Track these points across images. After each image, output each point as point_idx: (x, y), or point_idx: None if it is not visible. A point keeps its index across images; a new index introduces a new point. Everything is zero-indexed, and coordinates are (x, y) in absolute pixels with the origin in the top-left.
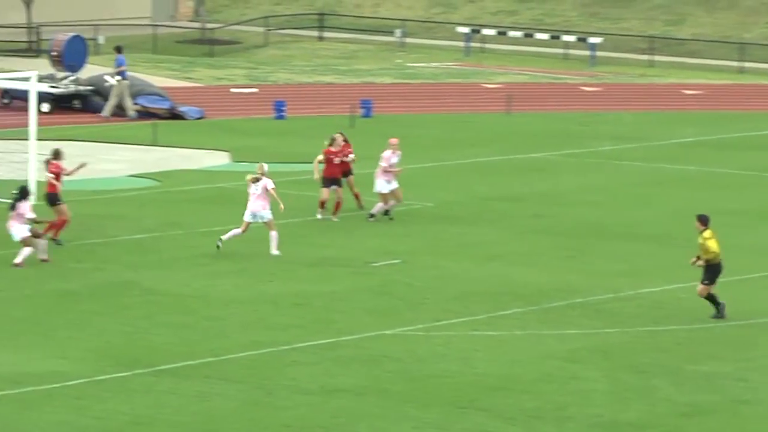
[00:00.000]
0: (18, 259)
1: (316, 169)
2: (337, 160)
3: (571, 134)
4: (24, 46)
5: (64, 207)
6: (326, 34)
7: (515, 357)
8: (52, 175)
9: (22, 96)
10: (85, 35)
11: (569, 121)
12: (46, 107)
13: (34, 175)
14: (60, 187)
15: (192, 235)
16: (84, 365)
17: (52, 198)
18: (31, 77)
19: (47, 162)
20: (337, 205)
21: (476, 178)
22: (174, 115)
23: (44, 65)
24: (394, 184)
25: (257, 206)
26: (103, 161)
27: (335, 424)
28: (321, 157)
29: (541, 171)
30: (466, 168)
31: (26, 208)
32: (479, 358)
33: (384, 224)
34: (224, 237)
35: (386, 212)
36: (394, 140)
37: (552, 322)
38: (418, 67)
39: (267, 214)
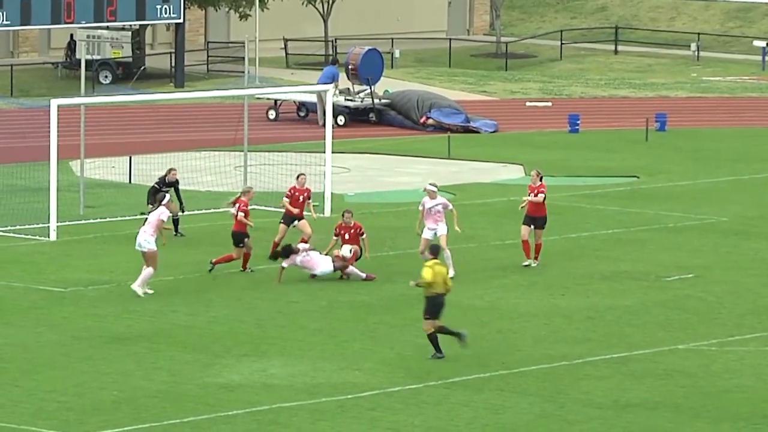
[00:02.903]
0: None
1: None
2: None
3: None
4: (320, 59)
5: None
6: (621, 48)
7: None
8: (241, 214)
9: (318, 109)
10: (381, 48)
11: None
12: (341, 120)
13: (329, 188)
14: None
15: (485, 248)
16: (376, 376)
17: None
18: (327, 91)
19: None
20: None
21: None
22: (467, 130)
23: (341, 78)
24: None
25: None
26: (398, 174)
27: None
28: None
29: None
30: (762, 182)
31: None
32: None
33: (678, 238)
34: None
35: None
36: None
37: None
38: (714, 81)
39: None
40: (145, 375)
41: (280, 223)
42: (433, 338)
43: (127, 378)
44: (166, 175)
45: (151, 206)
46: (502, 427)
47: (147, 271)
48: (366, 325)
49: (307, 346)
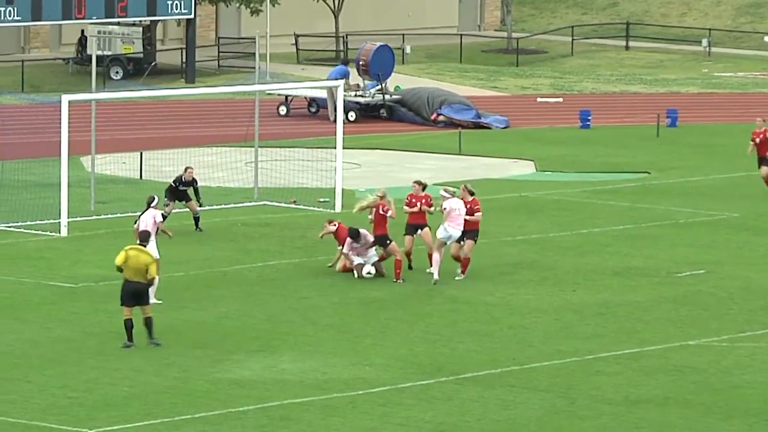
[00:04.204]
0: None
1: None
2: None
3: None
4: (332, 55)
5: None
6: (632, 44)
7: None
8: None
9: (328, 105)
10: (392, 44)
11: None
12: (352, 116)
13: (340, 183)
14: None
15: (496, 243)
16: (388, 372)
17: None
18: (337, 86)
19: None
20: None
21: None
22: (478, 125)
23: (352, 74)
24: None
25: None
26: (408, 170)
27: None
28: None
29: None
30: None
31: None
32: None
33: (689, 234)
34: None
35: None
36: None
37: None
38: (725, 76)
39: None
40: (156, 371)
41: (405, 235)
42: (126, 325)
43: (137, 374)
44: (182, 174)
45: (167, 204)
46: (512, 422)
47: None
48: (377, 320)
49: (318, 341)
